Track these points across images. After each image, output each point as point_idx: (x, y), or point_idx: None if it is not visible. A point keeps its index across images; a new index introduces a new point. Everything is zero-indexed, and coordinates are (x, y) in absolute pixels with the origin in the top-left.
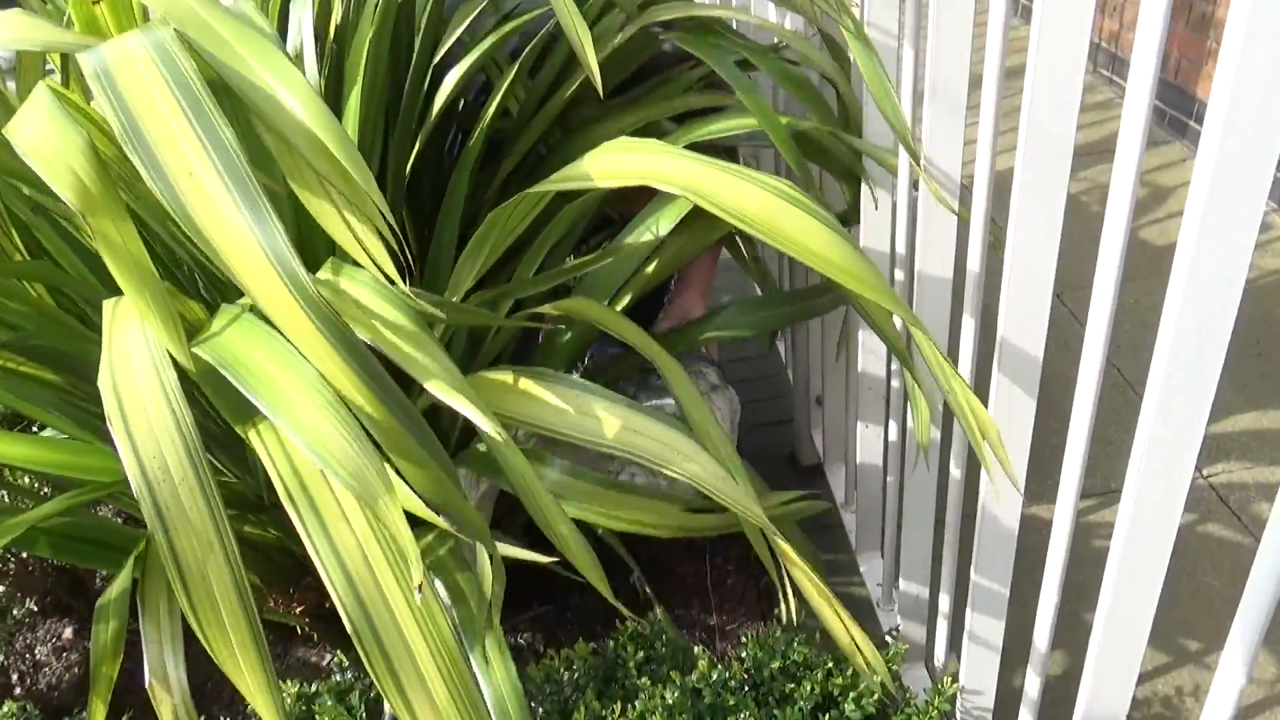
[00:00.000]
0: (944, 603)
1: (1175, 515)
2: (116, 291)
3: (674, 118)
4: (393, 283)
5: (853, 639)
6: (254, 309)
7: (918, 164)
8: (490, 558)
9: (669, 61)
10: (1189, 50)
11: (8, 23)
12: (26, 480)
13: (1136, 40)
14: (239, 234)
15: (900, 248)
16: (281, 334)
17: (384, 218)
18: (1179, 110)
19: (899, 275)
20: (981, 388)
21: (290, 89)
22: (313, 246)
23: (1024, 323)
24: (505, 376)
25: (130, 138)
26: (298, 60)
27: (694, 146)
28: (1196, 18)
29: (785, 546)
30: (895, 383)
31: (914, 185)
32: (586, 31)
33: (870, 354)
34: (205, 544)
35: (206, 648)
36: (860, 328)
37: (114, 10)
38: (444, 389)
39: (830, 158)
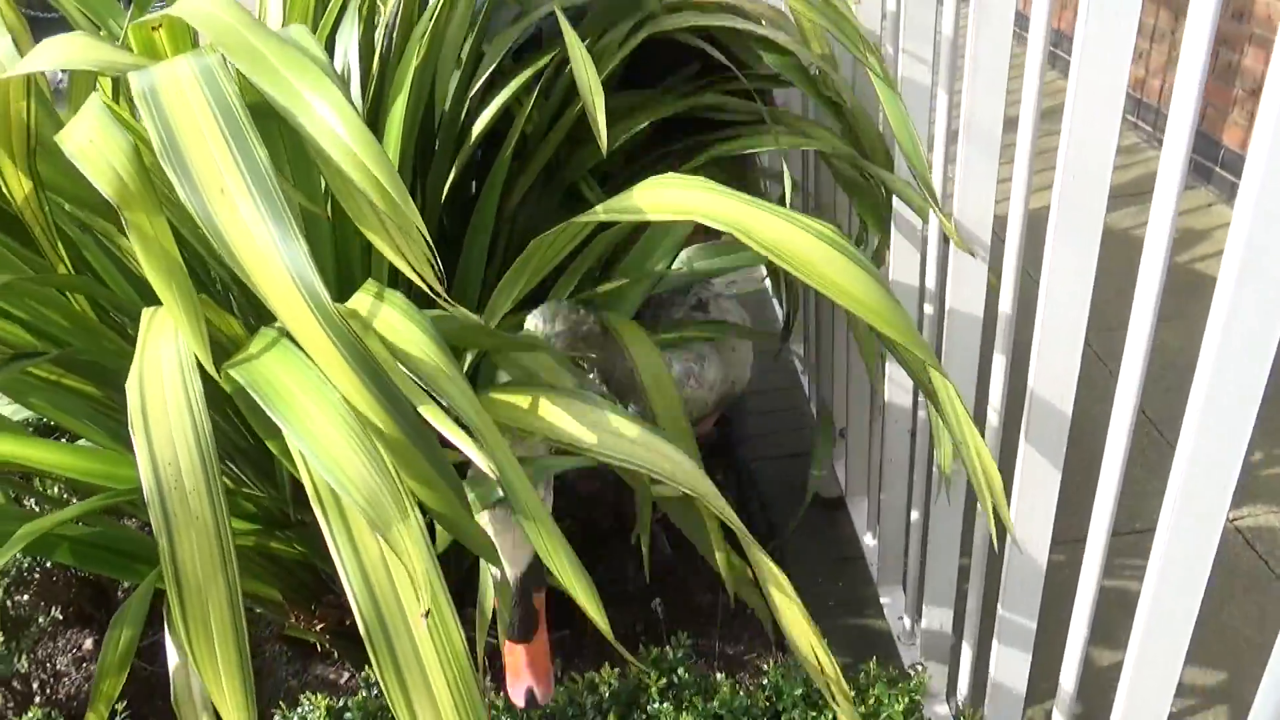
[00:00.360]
0: (968, 639)
1: (1208, 558)
2: (156, 303)
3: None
4: (427, 304)
5: (823, 670)
6: (288, 333)
7: (937, 207)
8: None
9: (688, 57)
10: (1214, 98)
11: (68, 43)
12: (56, 490)
13: (1173, 103)
14: (265, 251)
15: (930, 283)
16: (308, 356)
17: (425, 241)
18: (1204, 156)
19: (929, 309)
20: (1011, 425)
21: (338, 116)
22: (349, 264)
23: (1056, 363)
24: (522, 398)
25: (168, 151)
26: (343, 83)
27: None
28: (1222, 66)
29: (767, 565)
30: (921, 414)
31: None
32: (600, 91)
33: (897, 387)
34: (206, 556)
35: (190, 660)
36: (888, 360)
37: (171, 35)
38: (443, 421)
39: (857, 188)
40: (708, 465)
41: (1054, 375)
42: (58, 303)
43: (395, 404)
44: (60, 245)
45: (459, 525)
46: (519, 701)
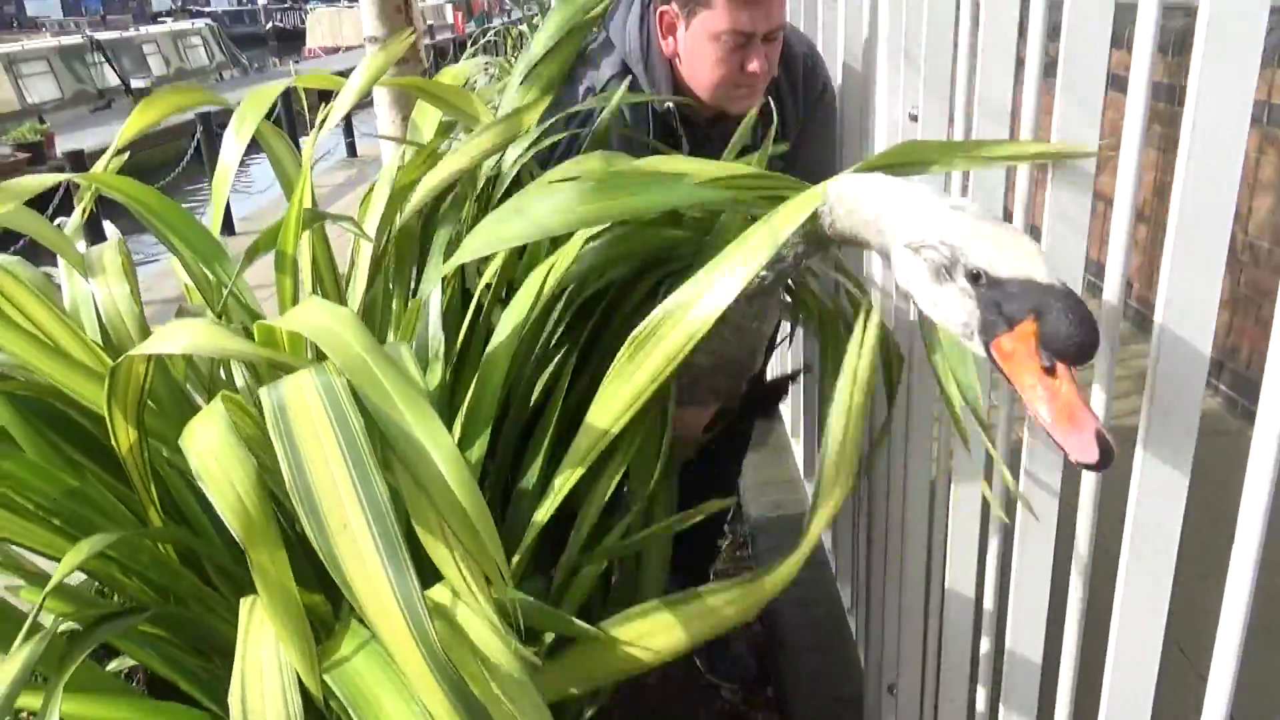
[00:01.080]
0: None
1: None
2: (236, 550)
3: None
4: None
5: None
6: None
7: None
8: None
9: None
10: (1259, 344)
11: (192, 329)
12: None
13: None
14: (379, 587)
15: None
16: (404, 676)
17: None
18: (1252, 400)
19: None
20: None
21: (438, 450)
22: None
23: (1135, 650)
24: None
25: (297, 486)
26: (434, 360)
27: None
28: (1265, 317)
29: None
30: (981, 673)
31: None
32: None
33: (954, 634)
34: None
35: None
36: (945, 606)
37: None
38: None
39: None
40: (750, 698)
41: (1134, 661)
42: (147, 547)
43: None
44: (152, 487)
45: None
46: (1089, 457)
